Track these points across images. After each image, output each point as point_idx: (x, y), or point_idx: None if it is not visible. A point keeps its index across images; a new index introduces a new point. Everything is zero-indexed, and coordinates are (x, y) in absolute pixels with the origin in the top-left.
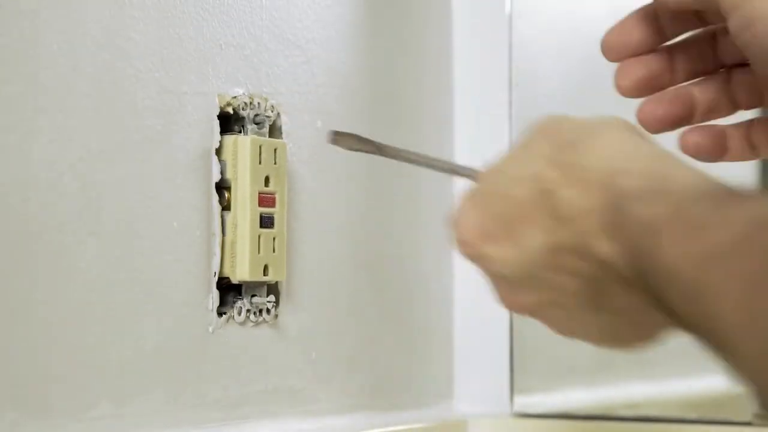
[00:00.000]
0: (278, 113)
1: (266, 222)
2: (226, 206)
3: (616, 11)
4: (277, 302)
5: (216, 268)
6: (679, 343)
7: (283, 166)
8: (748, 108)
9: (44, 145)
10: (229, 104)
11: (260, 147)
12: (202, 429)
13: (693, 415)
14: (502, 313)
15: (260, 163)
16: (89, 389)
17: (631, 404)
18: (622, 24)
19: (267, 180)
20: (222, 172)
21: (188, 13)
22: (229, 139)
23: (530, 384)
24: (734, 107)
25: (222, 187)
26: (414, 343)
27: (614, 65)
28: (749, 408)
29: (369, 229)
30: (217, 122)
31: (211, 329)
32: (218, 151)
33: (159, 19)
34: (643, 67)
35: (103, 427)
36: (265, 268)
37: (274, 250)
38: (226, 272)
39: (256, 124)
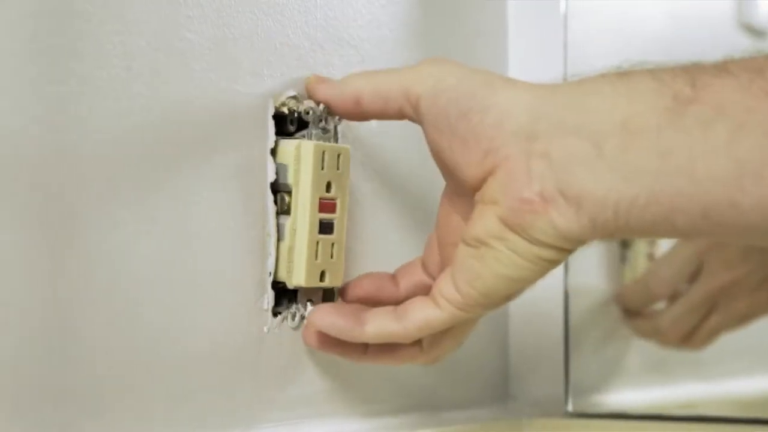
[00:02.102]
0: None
1: (325, 228)
2: (285, 210)
3: (672, 11)
4: None
5: (271, 268)
6: (735, 343)
7: (346, 171)
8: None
9: (99, 144)
10: (284, 104)
11: (323, 152)
12: (257, 429)
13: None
14: (557, 313)
15: (323, 168)
16: (144, 390)
17: (686, 404)
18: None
19: (329, 185)
20: (281, 176)
21: (243, 12)
22: (291, 143)
23: (585, 384)
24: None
25: (279, 190)
26: (470, 342)
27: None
28: None
29: (419, 232)
30: (272, 123)
31: (266, 329)
32: (273, 152)
33: (214, 19)
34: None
35: (157, 428)
36: (322, 274)
37: (332, 257)
38: (282, 277)
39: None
